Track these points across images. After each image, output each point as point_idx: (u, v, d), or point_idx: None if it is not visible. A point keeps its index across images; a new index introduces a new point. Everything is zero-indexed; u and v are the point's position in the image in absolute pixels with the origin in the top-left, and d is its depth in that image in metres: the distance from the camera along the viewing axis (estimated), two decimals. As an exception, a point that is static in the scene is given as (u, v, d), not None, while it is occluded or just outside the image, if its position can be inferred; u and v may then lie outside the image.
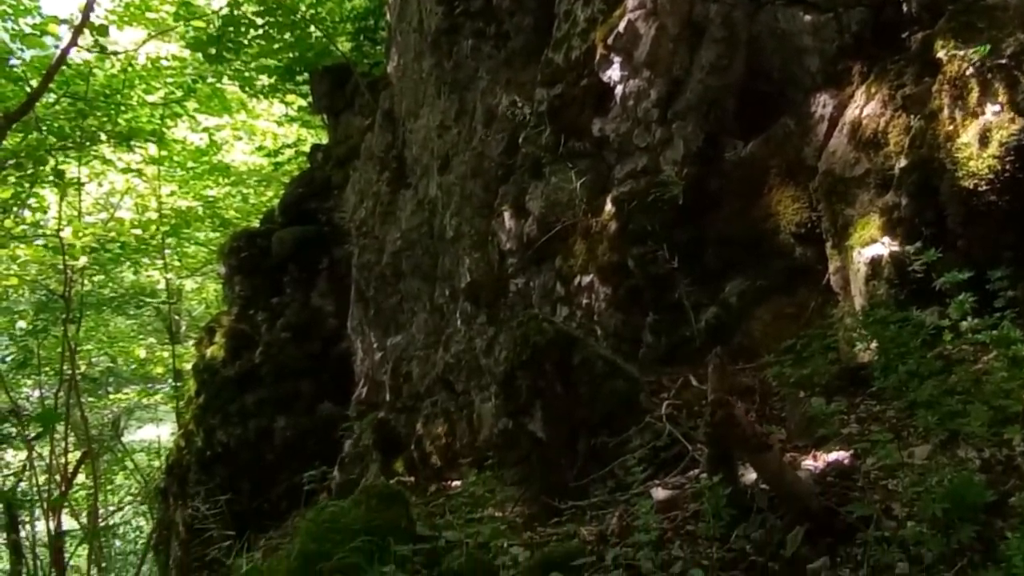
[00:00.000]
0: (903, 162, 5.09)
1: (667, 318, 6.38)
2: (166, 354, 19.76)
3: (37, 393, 18.30)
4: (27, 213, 15.94)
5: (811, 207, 5.80)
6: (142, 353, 20.22)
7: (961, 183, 4.76)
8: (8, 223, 15.08)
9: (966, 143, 4.76)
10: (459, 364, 8.31)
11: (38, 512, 17.79)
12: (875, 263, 5.09)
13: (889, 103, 5.28)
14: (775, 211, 6.00)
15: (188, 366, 16.73)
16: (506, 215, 7.76)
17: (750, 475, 4.24)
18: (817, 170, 5.70)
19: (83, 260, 15.25)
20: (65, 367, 15.40)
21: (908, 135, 5.10)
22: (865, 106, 5.44)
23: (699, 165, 6.43)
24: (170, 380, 19.76)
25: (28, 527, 18.33)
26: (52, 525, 15.13)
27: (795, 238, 5.89)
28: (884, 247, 5.09)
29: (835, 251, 5.51)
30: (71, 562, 17.93)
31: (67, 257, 14.72)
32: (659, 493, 4.72)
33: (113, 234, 16.38)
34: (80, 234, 15.43)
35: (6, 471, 17.31)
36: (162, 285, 19.03)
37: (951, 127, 4.87)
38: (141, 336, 21.45)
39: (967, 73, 4.85)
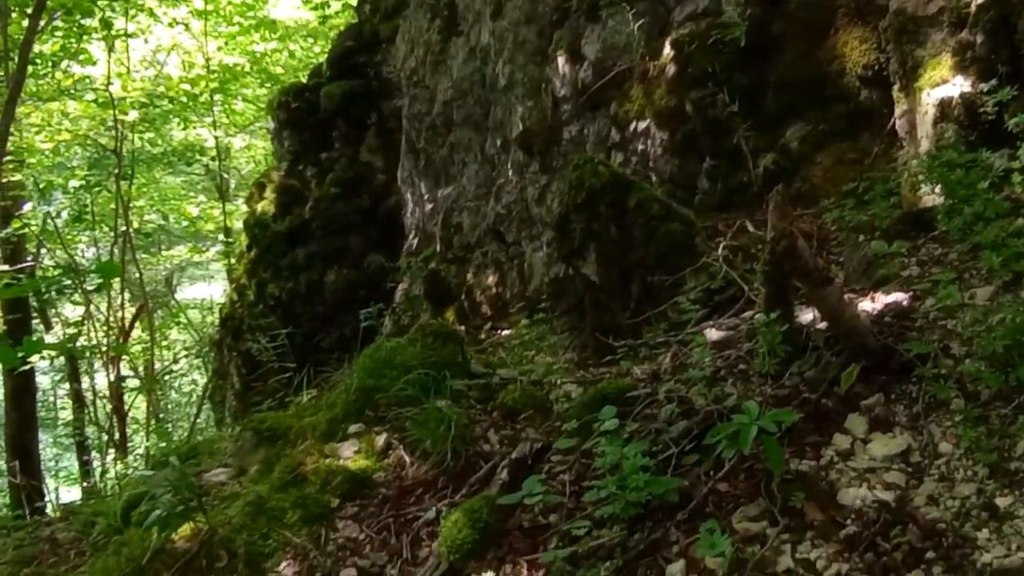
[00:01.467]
0: (980, -2, 4.87)
1: (724, 164, 6.29)
2: (216, 212, 19.95)
3: (92, 251, 18.64)
4: (76, 69, 15.92)
5: (879, 48, 5.60)
6: (193, 211, 20.43)
7: (1042, 18, 4.55)
8: (58, 75, 15.09)
9: (1050, -25, 4.53)
10: (510, 214, 8.29)
11: (97, 365, 18.39)
12: (944, 104, 4.93)
13: (968, -66, 5.01)
14: (841, 53, 5.81)
15: (238, 224, 16.92)
16: (560, 61, 7.60)
17: (806, 315, 4.22)
18: (887, 9, 5.46)
19: (133, 115, 15.27)
20: (119, 222, 15.62)
21: (988, -32, 4.86)
22: (943, -62, 5.17)
23: (763, 6, 6.22)
24: (220, 237, 20.00)
25: (88, 379, 18.97)
26: (112, 375, 15.64)
27: (861, 81, 5.72)
28: (955, 88, 4.92)
29: (902, 93, 5.34)
30: (129, 413, 18.61)
31: (117, 111, 14.75)
32: (712, 334, 4.73)
33: (162, 89, 16.37)
34: (129, 88, 15.43)
35: (65, 325, 17.81)
36: (211, 143, 19.05)
37: (1035, -42, 4.63)
38: (191, 194, 21.65)
39: (1056, -101, 4.57)
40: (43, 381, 20.24)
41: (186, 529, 4.30)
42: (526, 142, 8.08)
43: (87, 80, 16.14)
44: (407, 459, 4.53)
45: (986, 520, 3.07)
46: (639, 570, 3.31)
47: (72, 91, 15.75)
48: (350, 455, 4.65)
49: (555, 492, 3.85)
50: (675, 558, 3.28)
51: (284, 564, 4.03)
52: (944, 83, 4.99)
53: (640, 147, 6.87)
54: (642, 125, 6.86)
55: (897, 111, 5.41)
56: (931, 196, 4.80)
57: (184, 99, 16.61)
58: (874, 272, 4.62)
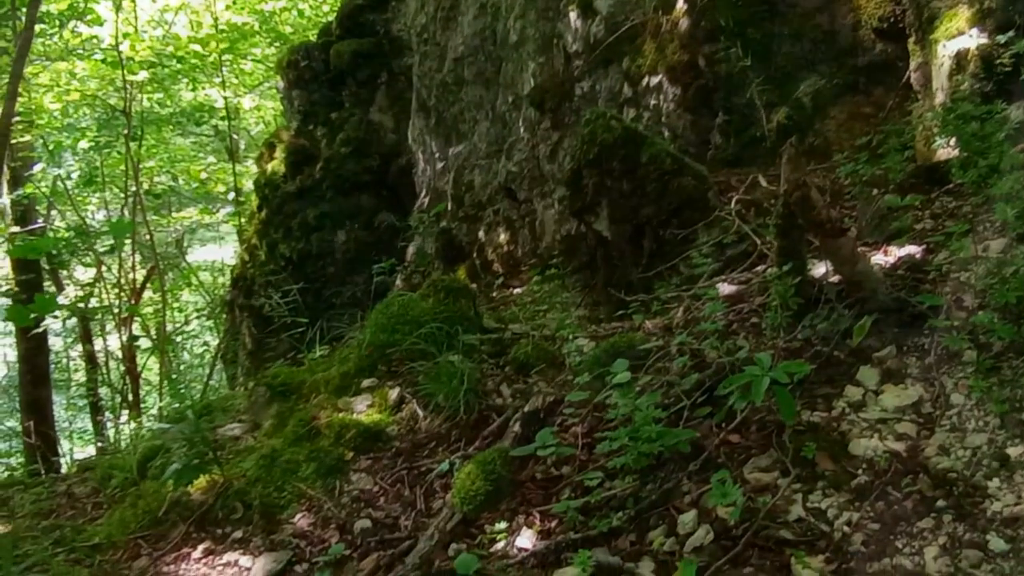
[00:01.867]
0: (998, -52, 4.80)
1: (737, 119, 6.24)
2: (226, 173, 19.86)
3: (103, 213, 18.63)
4: (83, 29, 15.82)
5: (895, 0, 5.53)
6: (203, 175, 20.34)
7: (1060, -33, 4.49)
8: (66, 35, 15.02)
9: (1070, -77, 4.46)
10: (521, 172, 8.25)
11: (109, 327, 18.45)
12: (960, 56, 4.88)
13: None
14: (856, 5, 5.75)
15: (248, 185, 16.89)
16: (572, 15, 7.52)
17: (818, 268, 4.22)
18: (904, -40, 5.42)
19: (142, 75, 15.19)
20: (129, 184, 15.60)
21: (1006, -83, 4.78)
22: None
23: (778, -42, 6.14)
24: (231, 198, 19.93)
25: (101, 340, 19.03)
26: (124, 336, 15.69)
27: (876, 34, 5.66)
28: (971, 39, 4.87)
29: (918, 46, 5.29)
30: (142, 374, 18.68)
31: (126, 72, 14.67)
32: (725, 288, 4.73)
33: (171, 49, 16.26)
34: (137, 48, 15.33)
35: (76, 287, 17.85)
36: (220, 103, 18.93)
37: (1055, -94, 4.55)
38: (201, 155, 21.57)
39: None
40: (56, 343, 20.28)
41: (202, 481, 4.34)
42: (537, 99, 8.02)
43: (95, 40, 16.04)
44: (420, 413, 4.56)
45: (997, 469, 3.09)
46: (651, 519, 3.34)
47: (80, 51, 15.65)
48: (363, 409, 4.68)
49: (568, 444, 3.88)
50: (687, 508, 3.32)
51: (299, 515, 4.08)
52: (960, 35, 4.94)
53: (652, 102, 6.81)
54: (654, 80, 6.80)
55: (912, 64, 5.36)
56: (946, 149, 4.77)
57: (193, 59, 16.49)
58: (887, 225, 4.61)
